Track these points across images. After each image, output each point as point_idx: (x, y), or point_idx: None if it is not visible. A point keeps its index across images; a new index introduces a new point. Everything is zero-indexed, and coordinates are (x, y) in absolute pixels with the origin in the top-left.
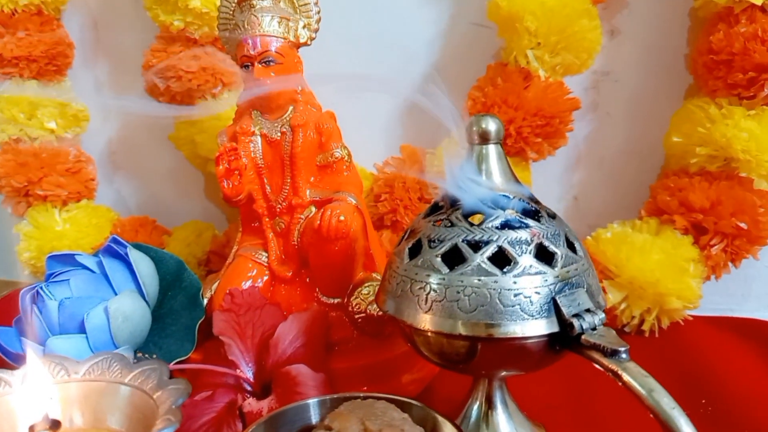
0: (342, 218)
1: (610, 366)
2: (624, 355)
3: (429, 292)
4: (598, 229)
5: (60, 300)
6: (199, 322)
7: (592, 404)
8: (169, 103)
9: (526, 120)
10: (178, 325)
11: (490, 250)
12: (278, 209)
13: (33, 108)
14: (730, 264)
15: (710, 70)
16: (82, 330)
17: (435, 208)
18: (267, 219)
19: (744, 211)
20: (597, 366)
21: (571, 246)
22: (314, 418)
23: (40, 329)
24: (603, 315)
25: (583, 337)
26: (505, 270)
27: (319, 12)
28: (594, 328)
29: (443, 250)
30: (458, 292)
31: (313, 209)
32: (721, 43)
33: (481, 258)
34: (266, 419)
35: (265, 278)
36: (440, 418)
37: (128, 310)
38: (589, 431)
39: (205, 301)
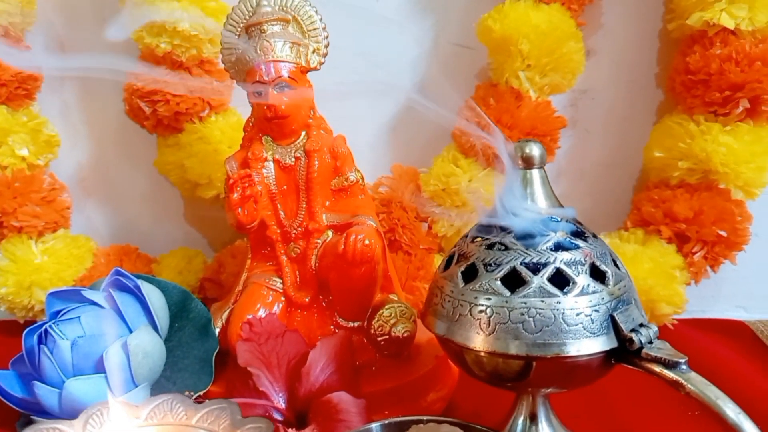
0: (367, 242)
1: (672, 377)
2: (684, 367)
3: (491, 315)
4: None
5: (72, 339)
6: (215, 353)
7: (629, 418)
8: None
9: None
10: (191, 357)
11: (549, 271)
12: (293, 235)
13: (3, 135)
14: (708, 269)
15: (688, 89)
16: (97, 369)
17: (481, 232)
18: (280, 245)
19: (724, 219)
20: (657, 377)
21: (615, 264)
22: None
23: (52, 371)
24: (656, 328)
25: (643, 351)
26: (565, 290)
27: (327, 37)
28: (650, 342)
29: (502, 273)
30: (522, 314)
31: (330, 234)
32: (698, 64)
33: (542, 280)
34: None
35: (281, 305)
36: None
37: (148, 346)
38: None
39: (217, 330)
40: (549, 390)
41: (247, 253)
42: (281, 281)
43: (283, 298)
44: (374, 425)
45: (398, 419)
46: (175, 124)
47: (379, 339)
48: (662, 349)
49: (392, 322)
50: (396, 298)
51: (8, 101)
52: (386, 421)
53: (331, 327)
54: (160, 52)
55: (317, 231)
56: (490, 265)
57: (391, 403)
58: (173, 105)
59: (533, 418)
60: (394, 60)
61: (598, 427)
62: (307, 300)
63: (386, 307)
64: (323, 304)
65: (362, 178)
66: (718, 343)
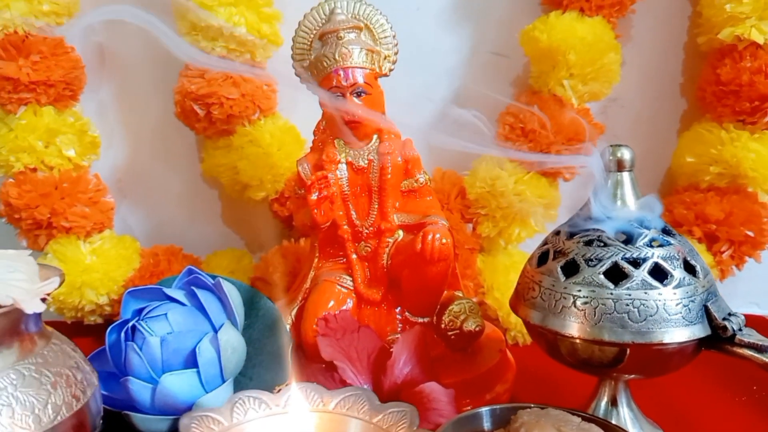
0: (444, 241)
1: (764, 360)
2: None
3: (597, 306)
4: None
5: (162, 336)
6: (291, 348)
7: (704, 408)
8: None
9: (563, 144)
10: (264, 354)
11: (649, 265)
12: (365, 234)
13: (51, 135)
14: (734, 267)
15: (719, 99)
16: (185, 365)
17: (575, 229)
18: (351, 243)
19: (751, 221)
20: (749, 361)
21: (699, 259)
22: (486, 425)
23: (141, 367)
24: (743, 317)
25: (737, 337)
26: (664, 283)
27: (397, 45)
28: (740, 329)
29: (604, 268)
30: (627, 305)
31: (401, 233)
32: (729, 76)
33: (643, 273)
34: (450, 424)
35: (352, 301)
36: (609, 424)
37: (235, 341)
38: None
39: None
40: (632, 376)
41: (297, 253)
42: (350, 279)
43: (353, 295)
44: (483, 410)
45: (505, 405)
46: (227, 127)
47: (450, 333)
48: (752, 335)
49: (462, 317)
50: (461, 295)
51: (55, 102)
52: (494, 407)
53: (399, 323)
54: (215, 56)
55: (389, 230)
56: (592, 260)
57: (463, 394)
58: (227, 108)
59: (614, 402)
60: (432, 67)
61: (669, 413)
62: (378, 297)
63: (455, 303)
64: (391, 300)
65: (430, 180)
66: None
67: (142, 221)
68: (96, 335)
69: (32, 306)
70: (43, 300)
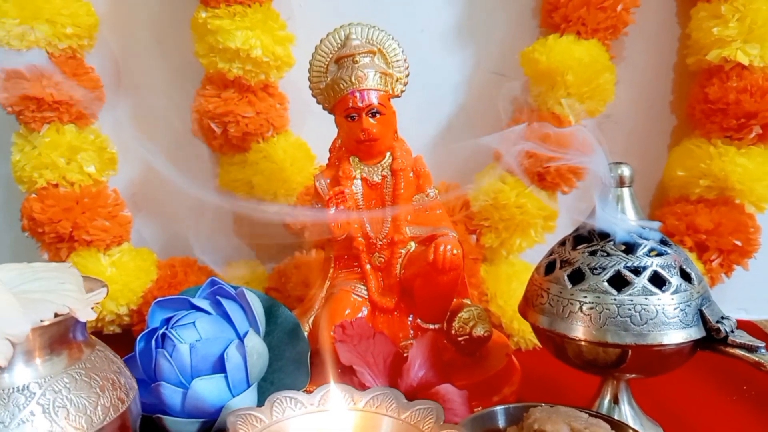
0: (455, 252)
1: (754, 359)
2: (764, 350)
3: (602, 311)
4: None
5: (191, 343)
6: (309, 354)
7: (699, 405)
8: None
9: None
10: (283, 360)
11: (648, 273)
12: (378, 245)
13: (73, 152)
14: (723, 275)
15: (707, 116)
16: (213, 370)
17: (579, 240)
18: (365, 255)
19: (739, 230)
20: (741, 360)
21: (694, 267)
22: (500, 423)
23: (171, 372)
24: (735, 320)
25: (729, 338)
26: (663, 289)
27: (408, 67)
28: (732, 331)
29: (608, 276)
30: (629, 309)
31: (413, 245)
32: (716, 95)
33: (644, 281)
34: (468, 421)
35: (367, 309)
36: (613, 420)
37: (260, 347)
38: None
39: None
40: (633, 376)
41: (310, 264)
42: (365, 288)
43: (368, 304)
44: (497, 408)
45: (518, 404)
46: (242, 144)
47: (460, 339)
48: (743, 336)
49: (471, 323)
50: (469, 302)
51: (76, 120)
52: (508, 406)
53: (411, 329)
54: (231, 77)
55: (402, 242)
56: (596, 269)
57: (473, 396)
58: (243, 126)
59: (616, 400)
60: (437, 85)
61: (667, 410)
62: (392, 304)
63: (464, 310)
64: (404, 308)
65: (438, 194)
66: None
67: (156, 234)
68: (115, 344)
69: (85, 314)
70: (92, 309)
